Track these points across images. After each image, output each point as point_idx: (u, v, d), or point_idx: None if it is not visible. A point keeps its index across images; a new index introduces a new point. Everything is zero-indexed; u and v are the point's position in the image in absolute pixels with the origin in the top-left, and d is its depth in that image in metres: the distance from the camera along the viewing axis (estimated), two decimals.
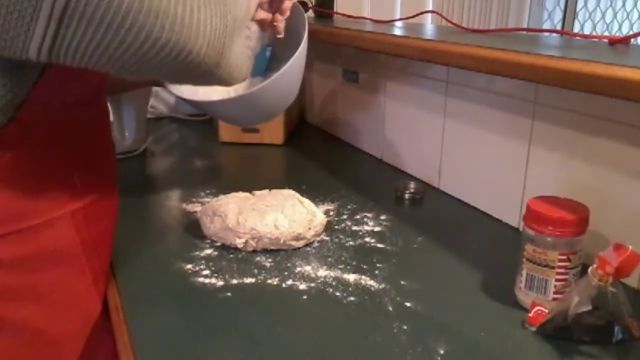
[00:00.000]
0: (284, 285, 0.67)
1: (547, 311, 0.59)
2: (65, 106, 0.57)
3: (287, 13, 0.79)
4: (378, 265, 0.72)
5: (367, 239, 0.79)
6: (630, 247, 0.54)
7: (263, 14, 0.78)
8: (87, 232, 0.61)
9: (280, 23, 0.80)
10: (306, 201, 0.81)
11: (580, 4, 2.74)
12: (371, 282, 0.68)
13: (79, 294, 0.62)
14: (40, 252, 0.57)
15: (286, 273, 0.70)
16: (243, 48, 0.55)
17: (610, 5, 2.85)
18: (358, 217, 0.87)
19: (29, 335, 0.58)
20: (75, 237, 0.59)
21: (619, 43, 0.77)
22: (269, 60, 0.88)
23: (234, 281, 0.68)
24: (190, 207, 0.90)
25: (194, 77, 0.52)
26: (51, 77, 0.53)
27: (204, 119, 1.49)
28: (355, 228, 0.83)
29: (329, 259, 0.73)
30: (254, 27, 0.81)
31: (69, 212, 0.58)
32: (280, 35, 0.82)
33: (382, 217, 0.87)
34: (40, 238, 0.56)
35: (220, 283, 0.67)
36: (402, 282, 0.68)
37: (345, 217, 0.87)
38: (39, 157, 0.55)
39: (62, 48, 0.43)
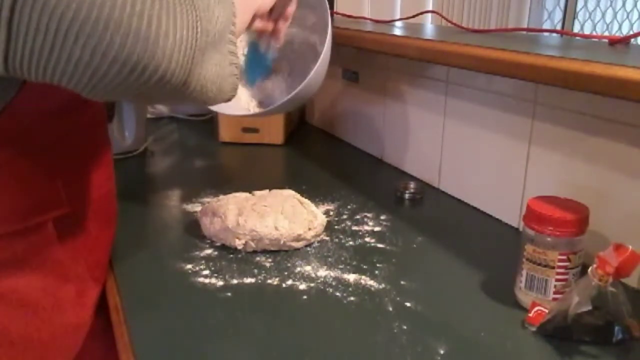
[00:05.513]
0: (284, 285, 0.67)
1: (547, 311, 0.59)
2: (50, 113, 0.56)
3: (290, 19, 0.76)
4: (378, 265, 0.72)
5: (367, 239, 0.79)
6: (630, 247, 0.54)
7: (261, 24, 0.74)
8: (71, 239, 0.60)
9: (282, 31, 0.77)
10: (306, 202, 0.81)
11: (580, 4, 2.75)
12: (371, 282, 0.68)
13: (61, 302, 0.61)
14: (19, 257, 0.56)
15: (286, 273, 0.70)
16: (223, 66, 0.50)
17: (610, 5, 2.86)
18: (358, 217, 0.87)
19: (9, 339, 0.58)
20: (57, 244, 0.59)
21: (619, 43, 0.77)
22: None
23: (234, 281, 0.68)
24: (190, 207, 0.90)
25: (163, 97, 0.47)
26: (34, 87, 0.51)
27: (204, 119, 1.49)
28: (355, 228, 0.83)
29: (329, 259, 0.73)
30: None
31: (51, 218, 0.58)
32: (279, 45, 0.82)
33: (382, 217, 0.87)
34: (20, 244, 0.56)
35: (220, 283, 0.67)
36: (402, 282, 0.68)
37: (345, 217, 0.87)
38: (19, 163, 0.54)
39: (16, 58, 0.40)
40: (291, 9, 0.74)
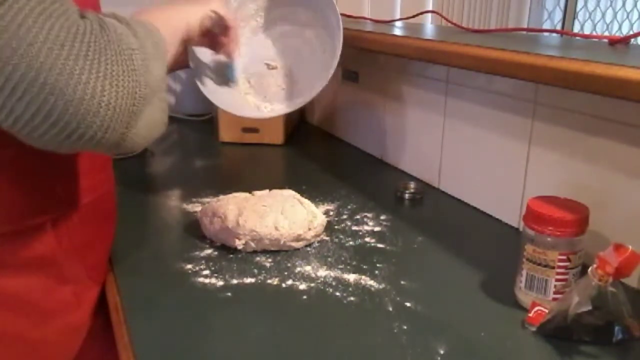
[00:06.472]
0: (284, 285, 0.67)
1: (547, 311, 0.59)
2: None
3: (237, 29, 0.76)
4: (378, 265, 0.72)
5: (367, 239, 0.79)
6: (630, 247, 0.54)
7: (202, 42, 0.76)
8: (68, 240, 0.60)
9: (234, 44, 0.77)
10: (306, 202, 0.81)
11: (580, 4, 2.74)
12: (371, 282, 0.68)
13: (59, 303, 0.61)
14: (17, 258, 0.56)
15: (286, 273, 0.70)
16: (154, 117, 0.51)
17: (610, 5, 2.85)
18: (358, 217, 0.87)
19: (8, 339, 0.58)
20: (55, 245, 0.59)
21: (619, 43, 0.76)
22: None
23: (234, 281, 0.68)
24: (190, 207, 0.90)
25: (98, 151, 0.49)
26: None
27: (204, 119, 1.49)
28: (355, 228, 0.83)
29: (329, 259, 0.73)
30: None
31: (49, 220, 0.58)
32: (231, 60, 0.82)
33: (382, 217, 0.87)
34: (17, 245, 0.56)
35: (220, 283, 0.67)
36: (402, 282, 0.68)
37: (345, 217, 0.87)
38: (19, 164, 0.54)
39: None
40: (232, 24, 0.75)
